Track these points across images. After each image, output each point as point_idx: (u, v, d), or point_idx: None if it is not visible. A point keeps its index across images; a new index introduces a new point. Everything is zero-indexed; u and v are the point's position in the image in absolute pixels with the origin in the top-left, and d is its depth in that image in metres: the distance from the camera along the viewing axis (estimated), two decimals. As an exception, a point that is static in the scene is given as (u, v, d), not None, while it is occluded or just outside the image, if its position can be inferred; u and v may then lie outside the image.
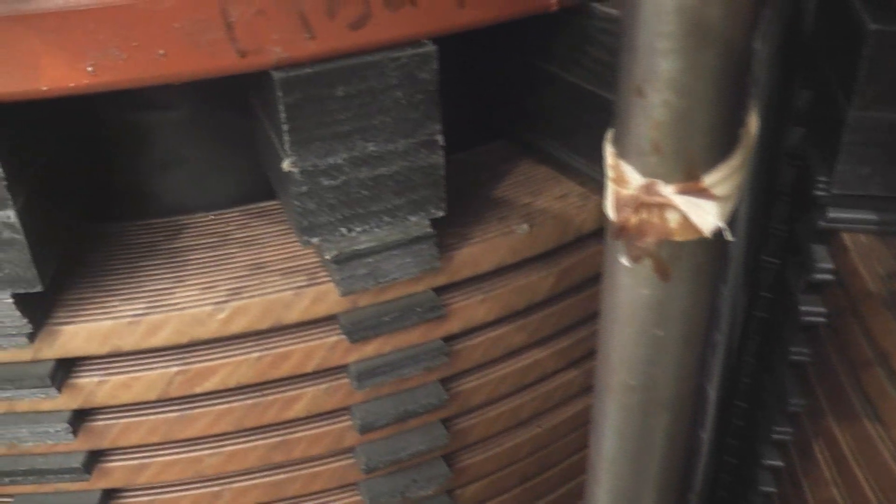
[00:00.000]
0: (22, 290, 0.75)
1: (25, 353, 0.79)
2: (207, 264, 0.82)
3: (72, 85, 0.69)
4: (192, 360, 0.80)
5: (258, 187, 0.90)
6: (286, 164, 0.74)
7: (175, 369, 0.80)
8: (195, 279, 0.81)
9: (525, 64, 0.95)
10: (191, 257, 0.83)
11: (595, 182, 0.92)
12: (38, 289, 0.75)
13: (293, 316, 0.80)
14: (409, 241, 0.81)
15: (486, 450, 0.96)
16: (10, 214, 0.72)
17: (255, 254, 0.83)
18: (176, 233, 0.86)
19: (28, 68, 0.68)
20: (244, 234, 0.85)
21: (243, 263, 0.82)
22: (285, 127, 0.73)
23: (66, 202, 0.81)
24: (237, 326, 0.79)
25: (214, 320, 0.79)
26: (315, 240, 0.77)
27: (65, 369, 0.80)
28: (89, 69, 0.69)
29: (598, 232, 0.93)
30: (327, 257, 0.78)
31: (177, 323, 0.78)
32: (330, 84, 0.73)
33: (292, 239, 0.85)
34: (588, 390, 1.01)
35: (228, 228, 0.86)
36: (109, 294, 0.80)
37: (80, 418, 0.81)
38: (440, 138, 0.79)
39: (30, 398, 0.79)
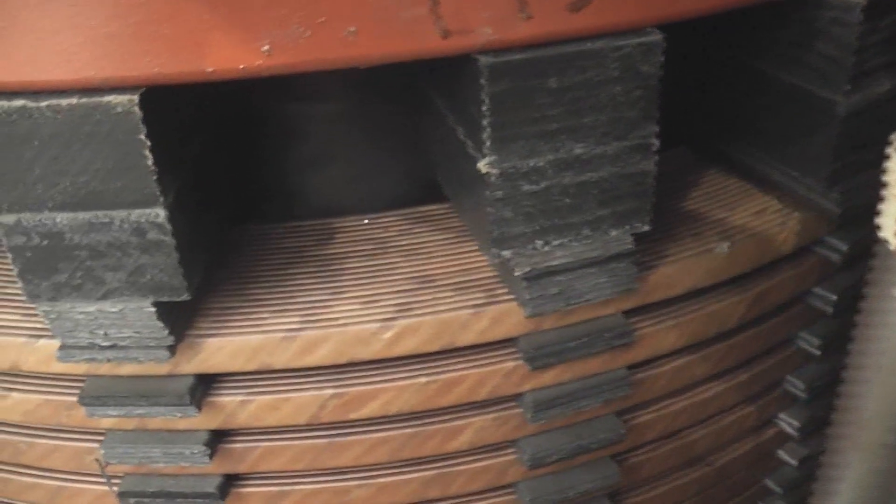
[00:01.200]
0: (166, 299, 0.62)
1: (161, 367, 0.67)
2: (367, 275, 0.69)
3: (242, 67, 0.56)
4: (350, 382, 0.68)
5: (418, 189, 0.77)
6: (483, 165, 0.61)
7: (330, 392, 0.67)
8: (355, 291, 0.68)
9: (724, 61, 0.80)
10: (348, 266, 0.70)
11: (797, 197, 0.78)
12: (184, 297, 0.62)
13: (468, 338, 0.67)
14: (607, 259, 0.67)
15: (652, 488, 0.83)
16: (159, 213, 0.59)
17: (420, 264, 0.70)
18: (328, 237, 0.73)
19: (193, 47, 0.56)
20: (406, 242, 0.72)
21: (409, 275, 0.69)
22: (487, 122, 0.59)
23: (212, 201, 0.69)
24: (404, 348, 0.66)
25: (379, 340, 0.66)
26: (506, 253, 0.64)
27: (204, 386, 0.68)
28: (264, 49, 0.56)
29: (796, 254, 0.79)
30: (518, 274, 0.65)
31: (336, 341, 0.66)
32: (542, 74, 0.59)
33: (462, 248, 0.72)
34: (760, 427, 0.87)
35: (387, 234, 0.73)
36: (258, 304, 0.68)
37: (217, 439, 0.70)
38: (655, 142, 0.65)
39: (165, 416, 0.67)
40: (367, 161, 0.76)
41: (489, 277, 0.69)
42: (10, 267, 0.75)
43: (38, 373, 0.70)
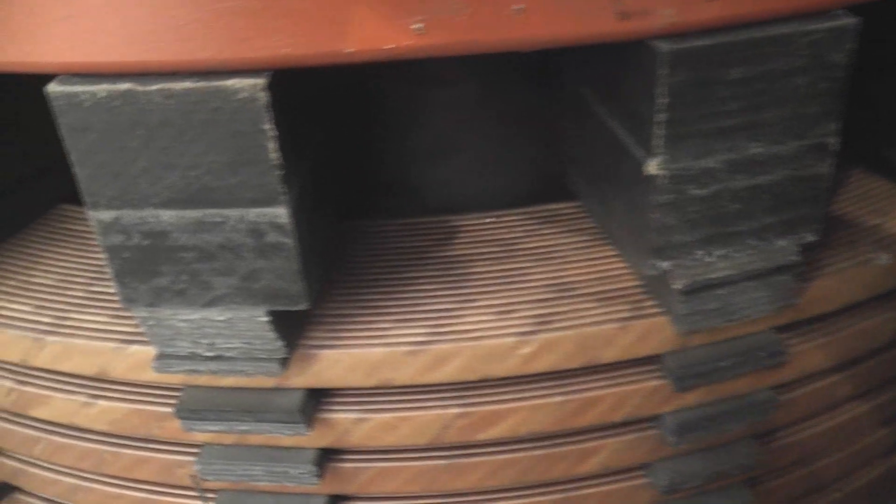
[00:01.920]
0: (282, 307, 0.54)
1: (268, 379, 0.58)
2: (498, 281, 0.60)
3: (388, 47, 0.47)
4: (478, 400, 0.59)
5: (541, 185, 0.67)
6: (653, 167, 0.51)
7: (456, 411, 0.59)
8: (485, 300, 0.59)
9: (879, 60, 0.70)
10: (474, 270, 0.61)
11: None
12: (303, 306, 0.54)
13: (611, 354, 0.58)
14: (770, 271, 0.58)
15: (779, 512, 0.74)
16: (281, 213, 0.50)
17: (555, 270, 0.61)
18: (449, 237, 0.64)
19: (331, 24, 0.46)
20: (535, 244, 0.63)
21: (544, 282, 0.60)
22: (661, 117, 0.50)
23: (328, 197, 0.59)
24: (542, 364, 0.58)
25: (516, 355, 0.57)
26: (666, 264, 0.55)
27: (315, 401, 0.59)
28: (416, 27, 0.46)
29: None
30: (677, 287, 0.55)
31: (468, 356, 0.57)
32: (725, 62, 0.50)
33: (598, 253, 0.63)
34: (891, 451, 0.78)
35: (514, 235, 0.64)
36: (378, 313, 0.59)
37: (325, 458, 0.61)
38: (833, 142, 0.55)
39: (271, 433, 0.58)
40: (489, 154, 0.67)
41: (632, 287, 0.60)
42: (98, 263, 0.67)
43: (127, 380, 0.62)
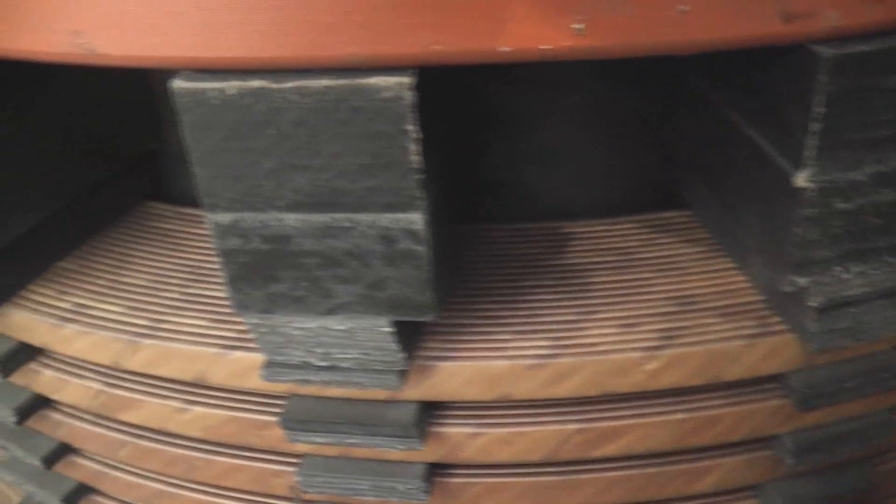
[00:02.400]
0: (407, 318, 0.50)
1: (380, 392, 0.54)
2: (619, 292, 0.57)
3: (546, 48, 0.43)
4: (597, 416, 0.55)
5: (651, 193, 0.64)
6: (801, 179, 0.48)
7: (574, 427, 0.55)
8: (608, 312, 0.55)
9: None
10: (593, 280, 0.58)
11: None
12: (430, 317, 0.50)
13: (736, 372, 0.55)
14: (905, 289, 0.54)
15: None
16: (417, 219, 0.47)
17: (676, 282, 0.58)
18: (562, 244, 0.61)
19: (485, 20, 0.42)
20: (653, 255, 0.60)
21: (665, 295, 0.57)
22: (816, 126, 0.46)
23: (446, 202, 0.56)
24: (666, 380, 0.54)
25: (641, 371, 0.53)
26: (804, 280, 0.51)
27: (427, 414, 0.55)
28: (576, 27, 0.42)
29: None
30: (813, 304, 0.52)
31: (592, 371, 0.53)
32: (885, 70, 0.46)
33: (717, 265, 0.59)
34: None
35: (629, 244, 0.60)
36: (496, 324, 0.55)
37: (434, 473, 0.57)
38: (980, 156, 0.51)
39: (383, 447, 0.54)
40: (602, 158, 0.63)
41: (755, 302, 0.57)
42: (192, 264, 0.63)
43: (227, 387, 0.58)
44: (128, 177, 0.69)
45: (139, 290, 0.62)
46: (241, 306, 0.52)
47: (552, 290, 0.57)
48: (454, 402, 0.56)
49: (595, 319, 0.55)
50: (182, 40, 0.45)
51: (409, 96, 0.44)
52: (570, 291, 0.57)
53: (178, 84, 0.45)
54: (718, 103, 0.56)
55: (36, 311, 0.62)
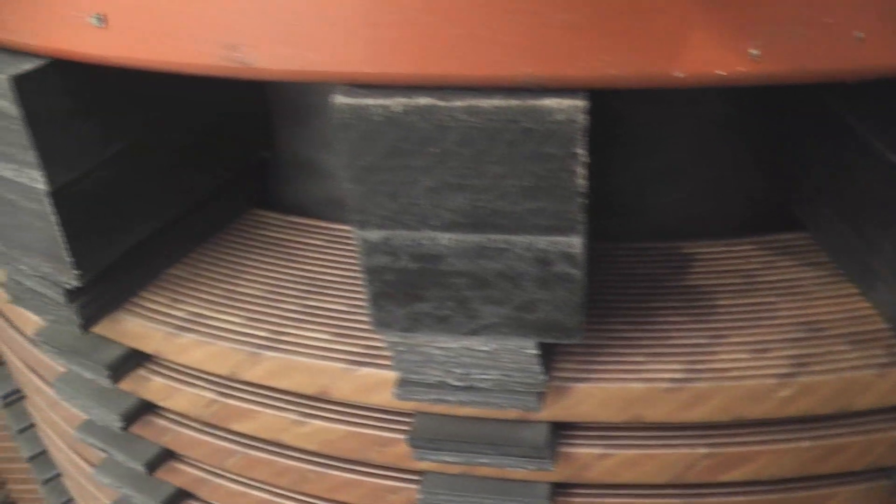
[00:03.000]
0: (553, 340, 0.48)
1: (511, 412, 0.52)
2: (745, 316, 0.55)
3: (720, 73, 0.41)
4: (726, 441, 0.53)
5: (774, 214, 0.62)
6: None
7: (703, 451, 0.53)
8: (737, 336, 0.53)
9: None
10: (719, 303, 0.56)
11: None
12: (576, 339, 0.48)
13: (866, 401, 0.53)
14: None
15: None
16: (575, 242, 0.45)
17: (801, 307, 0.55)
18: (683, 265, 0.59)
19: (664, 47, 0.40)
20: (776, 278, 0.58)
21: (792, 320, 0.55)
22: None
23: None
24: (798, 408, 0.52)
25: (774, 398, 0.51)
26: (947, 312, 0.49)
27: (556, 435, 0.53)
28: (753, 52, 0.40)
29: None
30: (954, 337, 0.50)
31: (726, 396, 0.51)
32: None
33: (841, 291, 0.57)
34: None
35: (751, 266, 0.58)
36: (628, 345, 0.53)
37: (558, 492, 0.55)
38: None
39: (514, 467, 0.52)
40: (721, 177, 0.61)
41: (883, 330, 0.54)
42: (309, 276, 0.61)
43: (349, 402, 0.56)
44: (237, 185, 0.67)
45: (256, 301, 0.60)
46: (382, 324, 0.49)
47: (679, 312, 0.55)
48: (584, 423, 0.54)
49: (725, 344, 0.53)
50: (346, 55, 0.43)
51: (581, 119, 0.42)
52: (698, 314, 0.55)
53: (339, 100, 0.43)
54: (856, 127, 0.54)
55: (150, 318, 0.60)
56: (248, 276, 0.62)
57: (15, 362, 0.84)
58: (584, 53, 0.41)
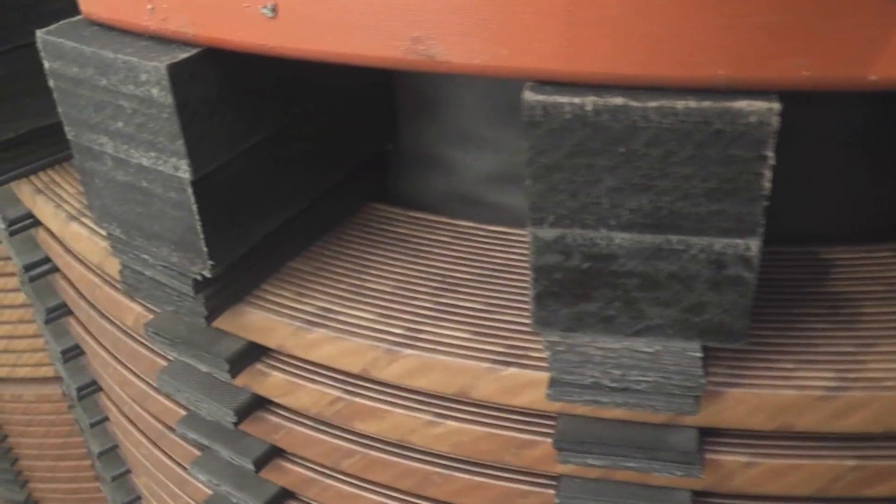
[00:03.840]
0: (718, 343, 0.50)
1: (658, 416, 0.55)
2: (891, 325, 0.57)
3: (916, 77, 0.43)
4: (874, 454, 0.56)
5: (884, 219, 0.64)
6: None
7: (851, 463, 0.56)
8: (886, 346, 0.56)
9: None
10: (864, 311, 0.58)
11: None
12: (740, 343, 0.50)
13: None
14: None
15: None
16: (753, 246, 0.48)
17: (948, 316, 0.58)
18: (822, 271, 0.61)
19: (859, 49, 0.43)
20: (919, 285, 0.60)
21: (942, 329, 0.57)
22: None
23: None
24: (945, 420, 0.54)
25: (923, 410, 0.54)
26: None
27: (702, 441, 0.55)
28: (951, 58, 0.43)
29: None
30: None
31: (879, 406, 0.54)
32: None
33: None
34: None
35: (892, 274, 0.61)
36: (776, 351, 0.56)
37: (698, 501, 0.57)
38: None
39: (661, 473, 0.55)
40: (860, 181, 0.64)
41: None
42: (440, 273, 0.63)
43: (489, 403, 0.58)
44: (356, 177, 0.69)
45: (387, 298, 0.62)
46: (543, 323, 0.52)
47: (824, 319, 0.58)
48: (731, 430, 0.56)
49: (875, 353, 0.55)
50: (539, 51, 0.45)
51: (774, 122, 0.44)
52: (843, 321, 0.57)
53: (530, 96, 0.45)
54: None
55: (276, 312, 0.62)
56: (375, 272, 0.64)
57: (98, 354, 0.86)
58: (779, 55, 0.44)
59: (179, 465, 0.82)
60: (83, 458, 1.38)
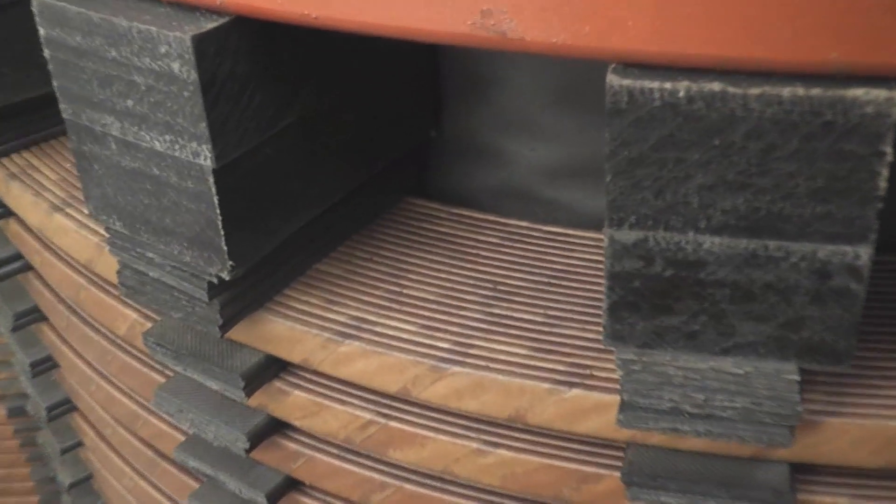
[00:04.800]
0: (818, 366, 0.53)
1: (742, 448, 0.57)
2: None
3: None
4: None
5: None
6: None
7: (963, 504, 0.57)
8: None
9: None
10: None
11: None
12: (845, 366, 0.52)
13: None
14: None
15: None
16: (863, 254, 0.49)
17: None
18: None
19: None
20: None
21: None
22: None
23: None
24: None
25: None
26: None
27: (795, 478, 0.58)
28: None
29: None
30: None
31: None
32: None
33: None
34: None
35: None
36: (881, 375, 0.58)
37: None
38: None
39: (748, 513, 0.57)
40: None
41: None
42: (489, 279, 0.65)
43: (547, 429, 0.60)
44: (394, 169, 0.71)
45: (430, 307, 0.64)
46: (617, 337, 0.54)
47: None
48: (829, 467, 0.58)
49: None
50: (626, 30, 0.47)
51: (894, 113, 0.46)
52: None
53: (615, 81, 0.48)
54: None
55: (301, 321, 0.64)
56: (416, 277, 0.66)
57: (77, 367, 0.88)
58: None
59: (171, 499, 0.84)
60: (29, 494, 1.38)
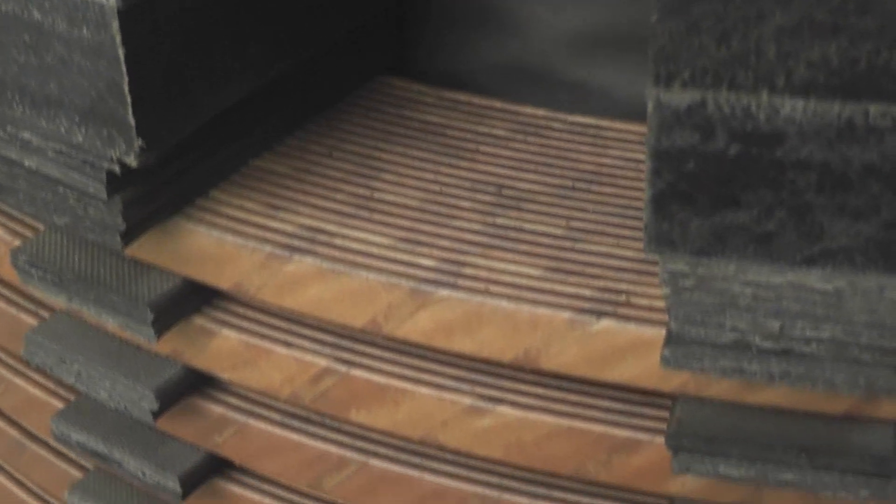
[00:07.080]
0: (937, 281, 0.56)
1: (835, 402, 0.61)
2: None
3: None
4: None
5: None
6: None
7: None
8: None
9: None
10: None
11: None
12: None
13: None
14: None
15: None
16: None
17: None
18: None
19: None
20: None
21: None
22: None
23: None
24: None
25: None
26: None
27: None
28: None
29: None
30: None
31: None
32: None
33: None
34: None
35: None
36: None
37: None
38: None
39: (836, 492, 0.61)
40: None
41: None
42: (498, 181, 0.68)
43: (563, 374, 0.63)
44: (363, 37, 0.75)
45: (411, 215, 0.67)
46: (663, 242, 0.57)
47: None
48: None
49: None
50: None
51: None
52: None
53: None
54: None
55: (234, 231, 0.67)
56: (392, 178, 0.70)
57: None
58: None
59: (41, 499, 0.87)
60: None
